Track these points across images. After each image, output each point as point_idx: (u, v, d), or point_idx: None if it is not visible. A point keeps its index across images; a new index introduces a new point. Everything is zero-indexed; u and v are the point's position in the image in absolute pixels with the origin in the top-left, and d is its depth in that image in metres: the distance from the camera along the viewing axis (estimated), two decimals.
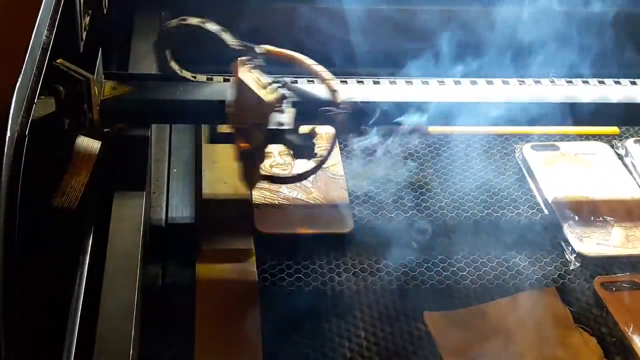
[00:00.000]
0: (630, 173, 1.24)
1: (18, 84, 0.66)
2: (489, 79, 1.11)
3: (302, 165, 1.17)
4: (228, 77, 1.05)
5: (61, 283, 0.90)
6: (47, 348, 0.84)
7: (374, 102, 1.05)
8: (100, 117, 0.96)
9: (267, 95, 0.94)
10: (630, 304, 1.03)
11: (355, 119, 1.03)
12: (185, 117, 1.08)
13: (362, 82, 1.08)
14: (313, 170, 1.03)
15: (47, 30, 0.76)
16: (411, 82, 1.09)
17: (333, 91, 0.99)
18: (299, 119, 0.99)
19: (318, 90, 1.02)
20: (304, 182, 1.16)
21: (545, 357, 0.97)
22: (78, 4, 0.92)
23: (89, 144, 0.93)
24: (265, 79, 0.96)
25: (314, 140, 0.99)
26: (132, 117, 1.03)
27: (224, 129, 1.03)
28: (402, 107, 1.05)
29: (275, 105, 0.95)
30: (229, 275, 1.03)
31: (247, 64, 0.95)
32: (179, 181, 1.18)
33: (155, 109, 1.03)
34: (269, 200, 1.14)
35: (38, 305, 0.86)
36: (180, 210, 1.14)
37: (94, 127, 0.95)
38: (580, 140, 1.30)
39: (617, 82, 1.14)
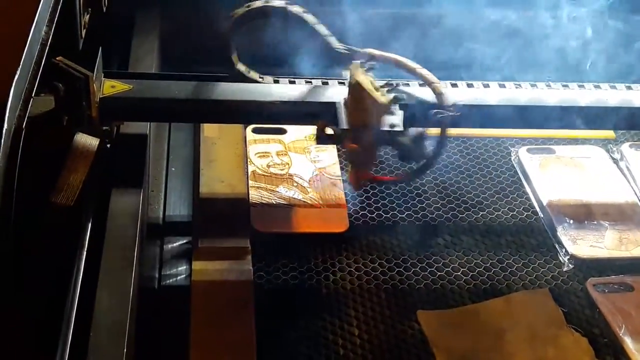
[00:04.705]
0: (625, 177, 1.24)
1: (16, 78, 0.67)
2: (485, 82, 1.12)
3: (298, 165, 1.20)
4: (277, 78, 1.07)
5: (57, 279, 0.91)
6: (41, 343, 0.85)
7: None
8: (99, 114, 0.97)
9: (381, 98, 0.95)
10: (622, 306, 1.03)
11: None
12: (183, 116, 1.09)
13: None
14: (420, 172, 1.04)
15: (46, 26, 0.77)
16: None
17: (440, 94, 1.00)
18: (408, 121, 1.00)
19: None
20: (300, 182, 1.17)
21: (538, 357, 0.98)
22: (77, 2, 0.93)
23: (88, 141, 0.94)
24: (377, 82, 0.97)
25: (424, 143, 1.00)
26: (131, 115, 1.05)
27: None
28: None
29: (388, 108, 0.96)
30: (224, 273, 1.04)
31: (362, 67, 0.96)
32: (176, 179, 1.19)
33: (154, 108, 1.04)
34: (266, 199, 1.15)
35: (34, 301, 0.87)
36: (178, 208, 1.15)
37: (93, 124, 0.96)
38: (576, 143, 1.31)
39: (613, 87, 1.15)
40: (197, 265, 1.04)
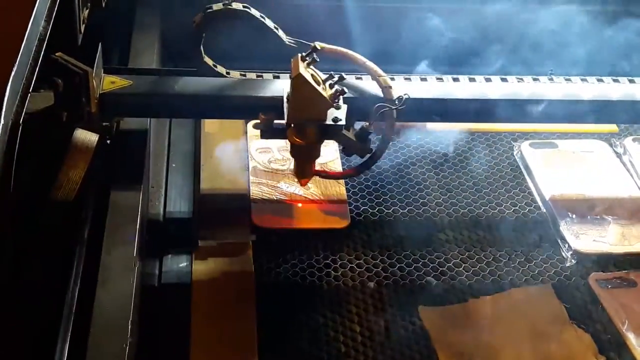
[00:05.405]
0: (628, 171, 1.24)
1: (13, 73, 0.67)
2: (487, 76, 1.12)
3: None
4: (247, 73, 1.06)
5: (57, 276, 0.90)
6: (40, 340, 0.84)
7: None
8: (99, 110, 0.97)
9: (324, 92, 0.94)
10: (625, 301, 1.03)
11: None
12: (183, 112, 1.09)
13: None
14: (366, 166, 1.03)
15: (44, 21, 0.76)
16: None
17: (387, 87, 0.99)
18: (353, 115, 0.99)
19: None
20: None
21: (540, 353, 0.97)
22: None
23: (87, 136, 0.93)
24: (321, 75, 0.97)
25: (368, 137, 1.00)
26: (131, 111, 1.04)
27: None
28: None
29: (332, 102, 0.96)
30: (225, 269, 1.04)
31: (305, 61, 0.95)
32: (177, 175, 1.19)
33: (154, 103, 1.04)
34: (267, 195, 1.14)
35: (33, 299, 0.86)
36: (179, 204, 1.14)
37: (93, 120, 0.96)
38: (579, 138, 1.30)
39: (616, 80, 1.15)
40: (197, 261, 1.04)
